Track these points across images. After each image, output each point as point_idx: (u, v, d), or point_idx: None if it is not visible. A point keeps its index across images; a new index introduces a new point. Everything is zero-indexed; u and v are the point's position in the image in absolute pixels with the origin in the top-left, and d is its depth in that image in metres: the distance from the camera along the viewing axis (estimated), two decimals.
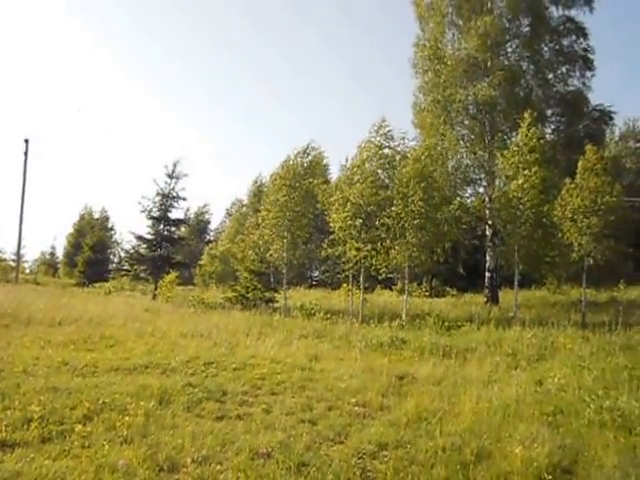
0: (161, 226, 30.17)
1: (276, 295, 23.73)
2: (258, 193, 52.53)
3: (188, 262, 40.76)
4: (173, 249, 32.15)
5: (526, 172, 19.10)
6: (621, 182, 22.68)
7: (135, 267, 31.62)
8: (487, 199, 24.11)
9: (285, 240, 22.99)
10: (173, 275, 27.12)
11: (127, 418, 6.18)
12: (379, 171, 20.71)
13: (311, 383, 8.85)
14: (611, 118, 28.16)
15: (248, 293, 22.97)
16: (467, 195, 27.00)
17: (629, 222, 20.91)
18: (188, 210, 62.09)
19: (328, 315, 18.78)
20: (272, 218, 23.23)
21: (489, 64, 25.75)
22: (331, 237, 21.22)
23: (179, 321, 16.18)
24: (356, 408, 7.51)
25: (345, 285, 25.13)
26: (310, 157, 24.95)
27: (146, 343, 11.79)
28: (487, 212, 21.20)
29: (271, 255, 23.46)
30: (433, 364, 10.94)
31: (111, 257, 54.11)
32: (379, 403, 7.79)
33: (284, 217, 22.90)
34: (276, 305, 23.13)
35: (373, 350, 12.93)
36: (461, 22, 27.26)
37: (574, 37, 26.96)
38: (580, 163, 19.52)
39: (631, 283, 26.40)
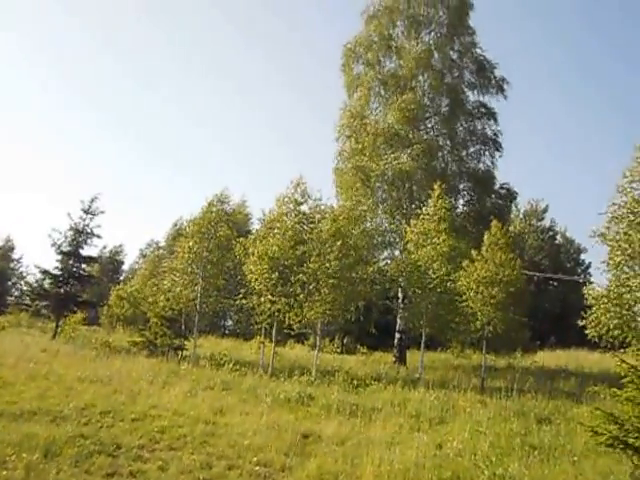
0: (70, 262, 29.00)
1: (186, 343, 23.12)
2: (177, 236, 51.59)
3: (95, 301, 39.06)
4: (81, 287, 30.87)
5: (435, 240, 20.04)
6: (522, 257, 24.25)
7: (36, 303, 30.01)
8: (402, 263, 25.03)
9: (198, 287, 22.65)
10: (80, 315, 25.94)
11: (4, 472, 5.66)
12: (297, 226, 21.00)
13: (213, 438, 8.65)
14: (515, 197, 30.16)
15: (156, 339, 22.26)
16: (383, 257, 27.88)
17: (527, 294, 22.18)
18: (104, 248, 60.15)
19: (238, 366, 18.41)
20: (185, 265, 22.89)
21: (410, 136, 27.19)
22: (246, 288, 21.11)
23: (78, 364, 15.40)
24: (257, 468, 7.39)
25: (257, 337, 24.90)
26: (229, 205, 24.73)
27: (38, 386, 11.12)
28: (401, 276, 21.99)
29: (183, 302, 22.99)
30: (339, 423, 10.96)
31: (13, 290, 51.12)
32: (281, 463, 7.70)
33: (198, 264, 22.62)
34: (185, 353, 22.52)
35: (280, 405, 12.79)
36: (386, 95, 28.87)
37: (486, 120, 29.26)
38: (486, 237, 20.67)
39: (527, 351, 28.00)
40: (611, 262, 16.47)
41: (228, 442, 8.49)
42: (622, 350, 13.63)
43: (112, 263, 65.55)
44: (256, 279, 20.24)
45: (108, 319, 40.45)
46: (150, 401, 10.98)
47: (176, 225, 56.21)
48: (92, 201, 29.18)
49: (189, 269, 22.89)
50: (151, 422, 9.14)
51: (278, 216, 21.56)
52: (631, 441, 7.46)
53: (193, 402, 11.50)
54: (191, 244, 22.83)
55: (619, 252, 16.07)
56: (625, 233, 15.98)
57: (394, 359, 26.13)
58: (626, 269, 16.13)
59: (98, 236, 29.48)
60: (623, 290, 15.99)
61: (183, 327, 24.33)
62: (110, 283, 57.89)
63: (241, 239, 22.20)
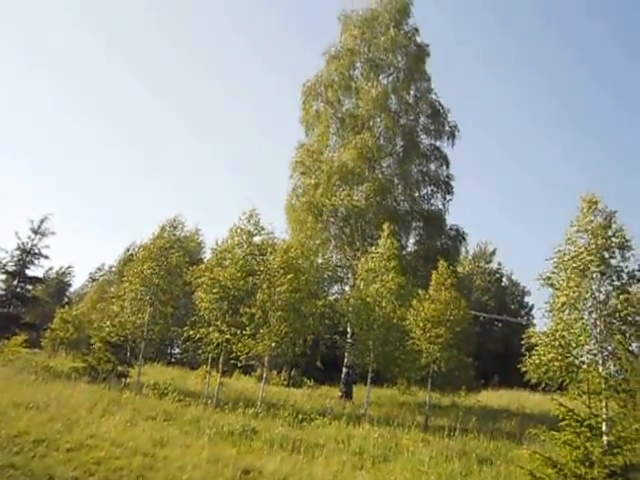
0: (15, 282, 28.09)
1: (130, 370, 22.53)
2: (128, 261, 50.53)
3: (38, 324, 37.74)
4: (24, 308, 29.87)
5: (384, 277, 20.33)
6: (469, 297, 24.74)
7: None
8: (351, 298, 25.24)
9: (145, 314, 22.23)
10: (20, 338, 24.97)
11: None
12: (249, 257, 21.00)
13: (151, 472, 8.44)
14: (464, 238, 30.73)
15: (99, 365, 21.63)
16: (333, 292, 28.07)
17: (472, 334, 22.61)
18: (51, 269, 58.46)
19: (182, 396, 18.07)
20: (134, 290, 22.49)
21: (365, 174, 27.82)
22: (195, 317, 20.85)
23: (15, 388, 14.73)
24: None
25: (204, 366, 24.49)
26: (182, 231, 24.52)
27: None
28: (350, 311, 22.17)
29: (129, 328, 22.49)
30: (282, 459, 10.85)
31: None
32: None
33: (147, 290, 22.27)
34: (128, 381, 21.93)
35: (223, 438, 12.58)
36: (343, 134, 29.53)
37: (439, 164, 30.18)
38: (433, 276, 21.06)
39: (471, 390, 28.37)
40: (554, 304, 17.02)
41: (166, 476, 8.30)
42: (561, 393, 14.02)
43: (58, 285, 63.61)
44: (205, 308, 20.06)
45: (51, 342, 39.08)
46: (88, 430, 10.64)
47: (128, 250, 55.19)
48: (42, 221, 28.54)
49: (138, 295, 22.46)
50: (87, 452, 8.85)
51: (230, 246, 21.51)
52: None
53: (133, 432, 11.20)
54: (141, 269, 22.45)
55: (563, 296, 16.63)
56: (569, 278, 16.56)
57: (340, 394, 26.09)
58: (568, 312, 16.69)
59: (46, 257, 28.84)
60: (565, 333, 16.49)
61: (128, 354, 23.73)
62: (55, 305, 56.15)
63: (193, 267, 21.98)
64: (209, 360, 21.47)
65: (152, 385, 20.61)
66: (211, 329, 19.98)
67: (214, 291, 19.96)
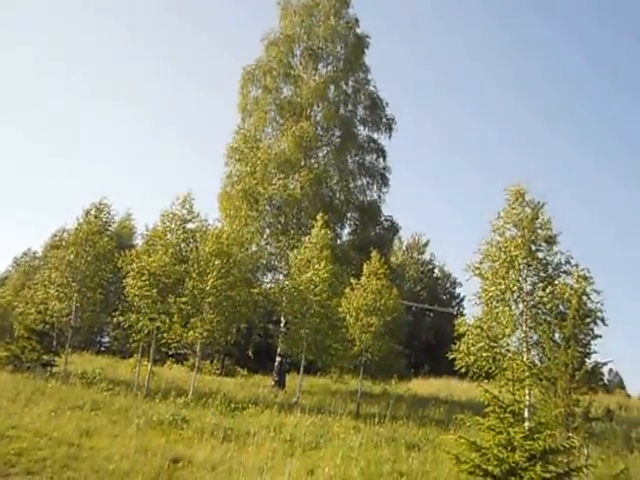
0: None
1: (56, 359, 21.76)
2: (54, 247, 48.61)
3: None
4: None
5: (317, 267, 20.45)
6: (402, 287, 25.16)
7: None
8: (285, 287, 25.25)
9: (72, 301, 21.52)
10: None
11: None
12: (182, 244, 20.67)
13: (76, 462, 8.21)
14: (398, 229, 31.34)
15: (23, 354, 20.82)
16: (268, 281, 28.00)
17: (403, 323, 23.05)
18: None
19: (111, 385, 17.67)
20: (60, 276, 21.71)
21: (301, 164, 27.80)
22: (125, 304, 20.37)
23: None
24: None
25: (135, 355, 23.97)
26: (109, 215, 23.52)
27: None
28: (283, 300, 22.18)
29: (55, 316, 21.73)
30: (212, 447, 10.80)
31: None
32: None
33: (74, 276, 21.55)
34: (55, 370, 21.20)
35: (152, 428, 12.39)
36: (281, 121, 29.38)
37: (375, 156, 30.47)
38: (365, 266, 21.33)
39: (402, 379, 29.02)
40: (483, 295, 17.60)
41: (92, 466, 8.09)
42: (487, 381, 14.52)
43: None
44: (135, 295, 19.65)
45: None
46: (9, 421, 10.25)
47: (56, 235, 53.12)
48: None
49: (64, 281, 21.69)
50: (8, 444, 8.52)
51: (162, 232, 21.09)
52: (491, 469, 7.86)
53: (58, 422, 10.87)
54: (67, 254, 21.69)
55: (492, 287, 17.20)
56: (497, 270, 17.11)
57: (273, 383, 26.11)
58: (496, 303, 17.28)
59: None
60: (493, 323, 17.07)
61: (55, 342, 22.94)
62: None
63: (123, 252, 21.40)
64: (140, 349, 21.06)
65: (80, 374, 20.07)
66: (141, 317, 19.58)
67: (143, 278, 19.57)
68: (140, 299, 19.61)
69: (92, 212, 22.69)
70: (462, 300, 50.59)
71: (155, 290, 19.52)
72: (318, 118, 29.26)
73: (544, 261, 17.07)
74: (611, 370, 64.44)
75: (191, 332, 19.56)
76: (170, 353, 24.09)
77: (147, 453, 9.45)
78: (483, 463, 7.93)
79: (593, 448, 12.79)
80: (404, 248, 52.56)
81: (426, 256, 53.65)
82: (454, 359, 17.35)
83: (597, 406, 13.11)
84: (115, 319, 20.67)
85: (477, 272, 17.72)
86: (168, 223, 21.06)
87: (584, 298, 15.34)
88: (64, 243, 22.79)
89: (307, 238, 22.28)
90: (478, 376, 16.10)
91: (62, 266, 21.75)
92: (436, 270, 54.12)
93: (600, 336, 14.17)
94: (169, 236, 20.93)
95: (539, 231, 17.16)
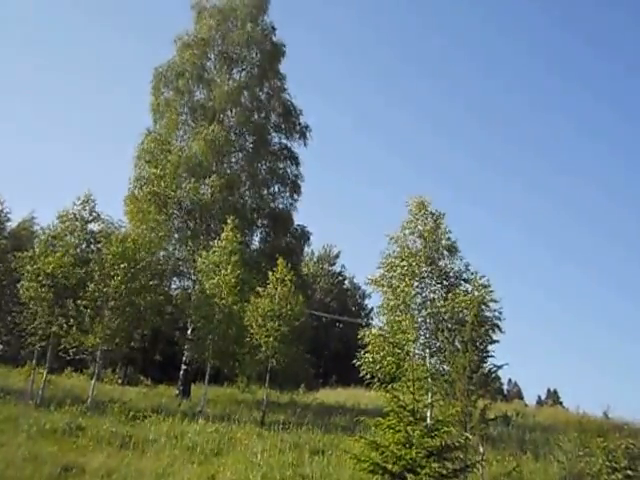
0: None
1: None
2: None
3: None
4: None
5: (223, 272, 20.22)
6: (312, 297, 25.21)
7: None
8: (192, 293, 24.66)
9: None
10: None
11: None
12: (83, 246, 19.85)
13: None
14: (309, 238, 31.16)
15: None
16: (176, 287, 27.42)
17: (309, 329, 23.16)
18: None
19: (1, 394, 16.66)
20: None
21: (213, 168, 27.40)
22: (20, 308, 19.28)
23: None
24: None
25: (29, 362, 22.64)
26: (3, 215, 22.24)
27: None
28: (190, 306, 21.69)
29: None
30: (108, 455, 10.43)
31: None
32: None
33: None
34: None
35: (44, 436, 11.86)
36: (193, 124, 28.93)
37: (288, 163, 30.45)
38: (271, 273, 21.29)
39: (310, 389, 29.12)
40: (385, 306, 18.09)
41: None
42: (391, 385, 14.83)
43: None
44: (30, 297, 18.64)
45: None
46: None
47: None
48: None
49: None
50: None
51: (61, 232, 20.23)
52: (390, 467, 8.00)
53: None
54: None
55: (392, 297, 17.71)
56: (400, 280, 17.64)
57: (178, 392, 25.42)
58: (398, 312, 17.78)
59: None
60: (397, 331, 17.55)
61: None
62: None
63: (18, 254, 20.25)
64: (35, 355, 19.95)
65: None
66: (37, 321, 18.57)
67: (39, 278, 18.63)
68: (35, 302, 18.62)
69: None
70: (371, 311, 51.66)
71: (52, 292, 18.60)
72: (231, 123, 29.06)
73: (446, 269, 17.76)
74: (510, 380, 68.10)
75: (91, 337, 18.75)
76: (69, 358, 22.91)
77: (36, 461, 8.98)
78: (382, 461, 8.05)
79: (490, 449, 13.34)
80: (315, 259, 53.07)
81: (337, 268, 54.48)
82: (360, 366, 17.70)
83: (496, 412, 13.68)
84: (9, 321, 19.52)
85: (379, 284, 18.23)
86: (68, 224, 20.19)
87: (482, 307, 16.12)
88: None
89: (216, 242, 21.95)
90: (383, 382, 16.44)
91: None
92: (346, 282, 54.98)
93: (497, 341, 14.89)
94: (69, 237, 20.04)
95: (442, 241, 17.87)
